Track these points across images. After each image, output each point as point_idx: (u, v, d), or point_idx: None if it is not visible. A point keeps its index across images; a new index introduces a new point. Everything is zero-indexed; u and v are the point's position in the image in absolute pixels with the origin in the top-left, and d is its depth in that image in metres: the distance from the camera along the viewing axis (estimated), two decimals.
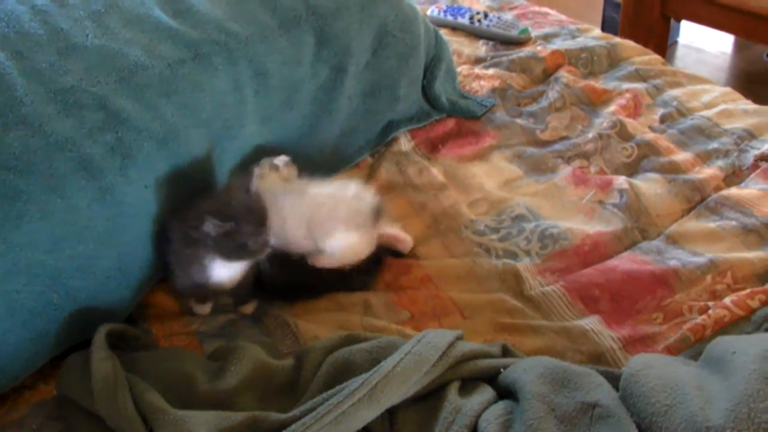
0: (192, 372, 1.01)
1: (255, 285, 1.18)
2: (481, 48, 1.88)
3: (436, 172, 1.48)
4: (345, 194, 1.27)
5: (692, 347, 1.07)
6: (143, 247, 1.14)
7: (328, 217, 1.22)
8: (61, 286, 1.05)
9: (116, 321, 1.11)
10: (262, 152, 1.31)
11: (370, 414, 0.88)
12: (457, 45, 1.88)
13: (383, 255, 1.27)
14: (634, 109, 1.63)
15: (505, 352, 1.03)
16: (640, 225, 1.33)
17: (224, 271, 1.12)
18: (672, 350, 1.08)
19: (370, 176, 1.50)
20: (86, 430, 0.97)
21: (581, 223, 1.34)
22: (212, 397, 0.98)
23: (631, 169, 1.47)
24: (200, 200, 1.10)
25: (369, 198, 1.27)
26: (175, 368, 1.02)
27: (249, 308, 1.21)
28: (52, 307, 1.05)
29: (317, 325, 1.15)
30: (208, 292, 1.16)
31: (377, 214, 1.25)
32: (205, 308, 1.18)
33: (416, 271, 1.26)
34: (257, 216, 1.09)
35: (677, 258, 1.24)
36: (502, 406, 0.90)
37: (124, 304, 1.14)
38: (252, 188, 1.11)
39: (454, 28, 1.95)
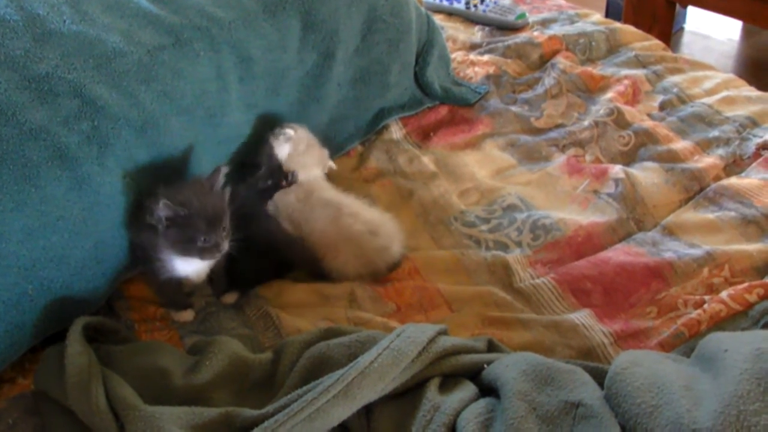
0: (168, 366, 0.99)
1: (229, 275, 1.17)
2: (477, 34, 1.84)
3: (427, 161, 1.45)
4: (371, 243, 1.22)
5: (686, 343, 1.04)
6: (120, 236, 1.12)
7: (345, 257, 1.21)
8: (35, 277, 1.03)
9: (92, 310, 1.10)
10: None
11: (345, 411, 0.85)
12: (453, 30, 1.84)
13: None
14: (633, 96, 1.59)
15: (491, 346, 1.00)
16: (635, 215, 1.30)
17: (185, 266, 1.10)
18: (665, 346, 1.05)
19: (359, 165, 1.47)
20: (61, 425, 0.95)
21: (575, 214, 1.31)
22: (187, 392, 0.96)
23: (628, 158, 1.44)
24: (162, 188, 1.07)
25: (393, 254, 1.23)
26: (151, 362, 1.00)
27: (231, 298, 1.18)
28: (27, 299, 1.03)
29: (300, 318, 1.13)
30: (177, 285, 1.14)
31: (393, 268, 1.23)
32: (186, 315, 1.15)
33: (404, 263, 1.24)
34: (213, 215, 1.06)
35: (673, 250, 1.20)
36: (483, 404, 0.87)
37: (99, 293, 1.12)
38: (217, 187, 1.08)
39: (450, 13, 1.92)
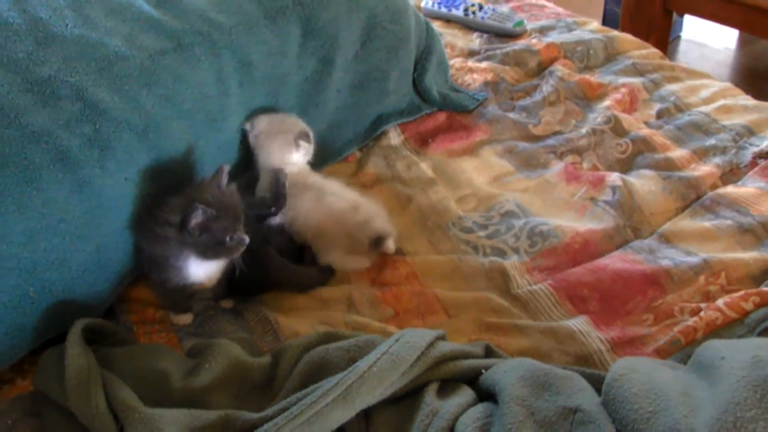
0: (167, 369, 0.99)
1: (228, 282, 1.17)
2: (475, 40, 1.85)
3: (425, 167, 1.46)
4: (353, 218, 1.24)
5: (682, 350, 1.05)
6: (122, 240, 1.13)
7: (329, 235, 1.23)
8: (36, 280, 1.03)
9: (94, 314, 1.10)
10: None
11: (344, 415, 0.86)
12: (451, 37, 1.85)
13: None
14: (630, 104, 1.60)
15: (489, 352, 1.01)
16: (632, 223, 1.30)
17: (202, 271, 1.10)
18: (662, 353, 1.05)
19: (357, 170, 1.47)
20: (61, 427, 0.95)
21: (572, 221, 1.31)
22: (186, 394, 0.96)
23: (625, 166, 1.45)
24: (172, 197, 1.08)
25: (374, 227, 1.25)
26: (150, 365, 1.00)
27: (229, 302, 1.19)
28: (29, 301, 1.03)
29: (298, 322, 1.13)
30: (186, 291, 1.14)
31: (377, 243, 1.24)
32: (185, 318, 1.16)
33: (401, 268, 1.24)
34: (233, 212, 1.08)
35: (670, 258, 1.21)
36: (481, 409, 0.88)
37: (102, 297, 1.12)
38: (223, 185, 1.10)
39: (449, 20, 1.93)
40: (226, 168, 1.12)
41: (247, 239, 1.08)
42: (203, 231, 1.05)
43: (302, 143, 1.32)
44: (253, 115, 1.32)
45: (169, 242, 1.07)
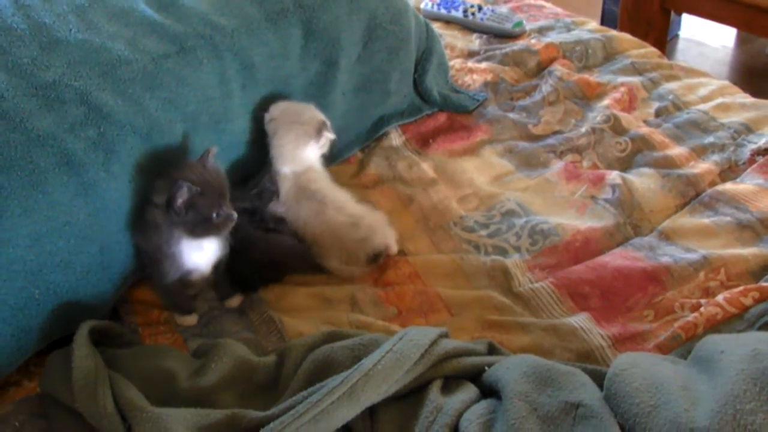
0: (173, 369, 1.00)
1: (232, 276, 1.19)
2: (475, 41, 1.86)
3: (426, 167, 1.47)
4: (352, 234, 1.24)
5: (683, 345, 1.06)
6: (126, 241, 1.14)
7: (327, 247, 1.25)
8: (42, 282, 1.04)
9: (98, 315, 1.11)
10: None
11: (349, 413, 0.87)
12: (451, 38, 1.86)
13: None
14: (629, 102, 1.61)
15: (491, 349, 1.02)
16: (632, 220, 1.31)
17: (196, 255, 1.12)
18: (662, 349, 1.06)
19: (359, 171, 1.48)
20: (68, 428, 0.96)
21: (572, 219, 1.32)
22: (193, 394, 0.97)
23: (625, 164, 1.46)
24: (157, 180, 1.10)
25: (373, 244, 1.25)
26: (156, 365, 1.01)
27: (234, 301, 1.20)
28: (34, 303, 1.04)
29: (303, 322, 1.14)
30: (186, 284, 1.15)
31: (374, 259, 1.25)
32: (190, 319, 1.17)
33: (404, 267, 1.25)
34: (218, 188, 1.09)
35: (670, 254, 1.22)
36: (484, 405, 0.89)
37: (106, 297, 1.14)
38: (209, 164, 1.11)
39: (448, 22, 1.94)
40: (214, 150, 1.13)
41: (234, 215, 1.10)
42: (189, 208, 1.07)
43: (325, 133, 1.31)
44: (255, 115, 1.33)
45: (159, 228, 1.09)
